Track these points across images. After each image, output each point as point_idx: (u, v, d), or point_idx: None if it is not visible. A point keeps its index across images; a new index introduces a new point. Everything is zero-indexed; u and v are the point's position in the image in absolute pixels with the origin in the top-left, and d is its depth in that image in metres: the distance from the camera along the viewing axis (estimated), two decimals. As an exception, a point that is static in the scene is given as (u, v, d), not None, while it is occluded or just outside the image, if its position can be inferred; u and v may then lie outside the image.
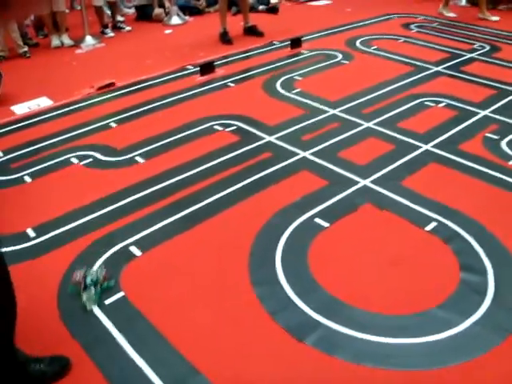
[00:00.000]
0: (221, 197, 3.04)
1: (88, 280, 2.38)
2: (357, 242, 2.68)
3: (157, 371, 2.01)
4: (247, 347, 2.12)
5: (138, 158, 3.51)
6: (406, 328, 2.19)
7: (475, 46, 5.72)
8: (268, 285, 2.41)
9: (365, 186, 3.10)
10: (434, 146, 3.55)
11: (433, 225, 2.77)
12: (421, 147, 3.54)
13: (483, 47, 5.68)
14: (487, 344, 2.12)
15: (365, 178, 3.18)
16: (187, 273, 2.51)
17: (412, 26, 6.53)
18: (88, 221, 2.89)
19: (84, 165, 3.48)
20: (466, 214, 2.87)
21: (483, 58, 5.33)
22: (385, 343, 2.12)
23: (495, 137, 3.69)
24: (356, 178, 3.18)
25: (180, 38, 6.34)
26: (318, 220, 2.81)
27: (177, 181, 3.22)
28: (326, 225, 2.78)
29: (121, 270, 2.52)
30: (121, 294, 2.38)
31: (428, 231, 2.73)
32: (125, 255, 2.62)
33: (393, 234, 2.74)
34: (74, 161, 3.52)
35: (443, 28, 6.46)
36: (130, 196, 3.08)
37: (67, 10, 7.48)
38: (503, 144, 3.60)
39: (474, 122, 3.92)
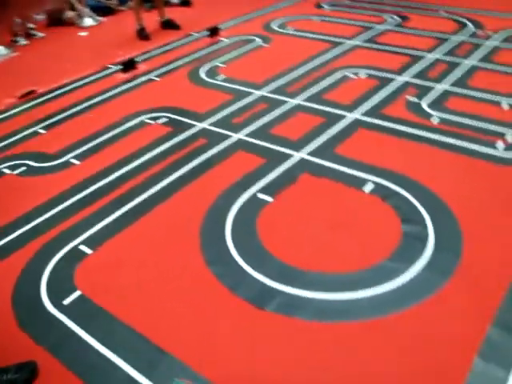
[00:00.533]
0: (162, 187, 3.07)
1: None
2: (301, 211, 2.79)
3: (126, 359, 2.04)
4: (211, 322, 2.18)
5: (73, 161, 3.48)
6: (360, 282, 2.31)
7: (386, 18, 5.95)
8: (223, 262, 2.48)
9: (301, 159, 3.22)
10: (360, 114, 3.71)
11: (370, 186, 2.92)
12: (347, 116, 3.69)
13: (393, 18, 5.93)
14: (434, 285, 2.28)
15: (299, 150, 3.30)
16: (141, 262, 2.54)
17: (324, 5, 6.71)
18: (33, 227, 2.86)
19: (17, 174, 3.41)
20: (399, 171, 3.03)
21: (395, 29, 5.57)
22: (342, 299, 2.23)
23: (415, 99, 3.89)
24: (291, 152, 3.29)
25: (96, 39, 6.25)
26: (260, 195, 2.90)
27: (116, 177, 3.22)
28: (270, 199, 2.87)
29: (74, 270, 2.52)
30: (78, 293, 2.38)
31: (366, 192, 2.87)
32: (76, 255, 2.62)
33: (334, 199, 2.86)
34: (7, 171, 3.45)
35: (354, 4, 6.68)
36: (71, 198, 3.06)
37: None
38: (423, 104, 3.81)
39: (394, 88, 4.11)
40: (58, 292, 2.40)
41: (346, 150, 3.28)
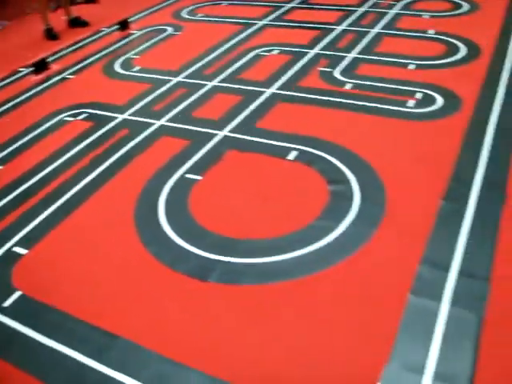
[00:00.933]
0: (91, 180, 3.07)
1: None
2: (230, 185, 2.86)
3: (78, 349, 2.05)
4: (157, 301, 2.22)
5: (-6, 166, 3.41)
6: (295, 243, 2.42)
7: (292, -4, 6.10)
8: (159, 242, 2.52)
9: (224, 136, 3.29)
10: (277, 89, 3.81)
11: (294, 154, 3.03)
12: (265, 92, 3.79)
13: (299, -4, 6.08)
14: (365, 235, 2.42)
15: (222, 129, 3.37)
16: (78, 254, 2.54)
17: (231, -10, 6.78)
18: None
19: None
20: (320, 137, 3.16)
21: (301, 5, 5.71)
22: (281, 260, 2.34)
23: (328, 69, 4.04)
24: (214, 132, 3.35)
25: (1, 44, 6.06)
26: (189, 175, 2.96)
27: (43, 176, 3.18)
28: (198, 177, 2.93)
29: (11, 271, 2.49)
30: (18, 294, 2.36)
31: (290, 160, 2.98)
32: (11, 256, 2.58)
33: (261, 170, 2.95)
34: None
35: (259, -14, 6.78)
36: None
37: None
38: (336, 73, 3.96)
39: (306, 61, 4.25)
40: (-4, 295, 2.37)
41: (267, 124, 3.38)
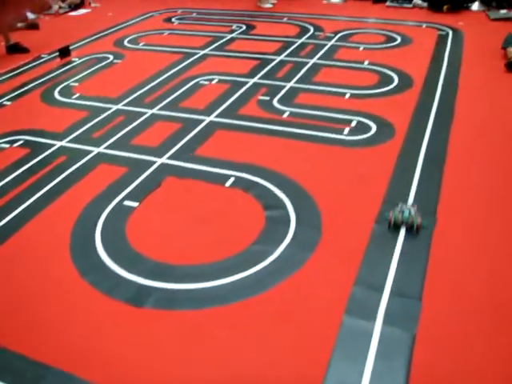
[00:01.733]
0: (25, 208, 3.00)
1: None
2: (168, 211, 2.87)
3: (11, 381, 1.99)
4: (94, 329, 2.18)
5: None
6: (231, 268, 2.43)
7: (233, 28, 6.22)
8: (96, 270, 2.49)
9: (162, 164, 3.30)
10: (216, 116, 3.87)
11: (231, 180, 3.07)
12: (205, 120, 3.83)
13: (240, 27, 6.21)
14: (301, 260, 2.46)
15: (161, 156, 3.38)
16: (13, 286, 2.48)
17: (173, 19, 6.86)
18: None
19: None
20: (258, 164, 3.22)
21: (242, 36, 5.84)
22: (218, 285, 2.34)
23: (267, 98, 4.13)
24: (153, 159, 3.36)
25: None
26: (127, 202, 2.94)
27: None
28: (136, 204, 2.92)
29: None
30: None
31: (228, 186, 3.02)
32: None
33: (197, 196, 2.97)
34: None
35: (202, 16, 6.89)
36: None
37: None
38: (275, 102, 4.05)
39: (246, 89, 4.33)
40: None
41: (206, 151, 3.41)
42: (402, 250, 2.50)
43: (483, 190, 2.93)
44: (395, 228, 2.64)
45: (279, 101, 4.09)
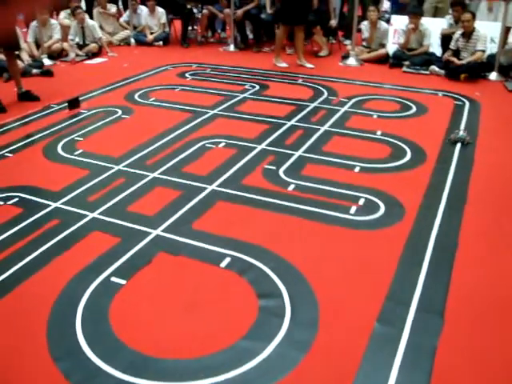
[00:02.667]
0: (8, 276, 2.84)
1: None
2: (156, 293, 2.68)
3: None
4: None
5: None
6: (217, 367, 2.22)
7: (246, 87, 6.15)
8: (71, 357, 2.30)
9: (157, 236, 3.13)
10: (218, 186, 3.72)
11: (227, 260, 2.89)
12: (206, 188, 3.68)
13: (254, 86, 6.14)
14: (293, 361, 2.25)
15: (156, 227, 3.21)
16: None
17: (187, 75, 6.83)
18: None
19: None
20: (257, 244, 3.04)
21: (254, 97, 5.76)
22: (194, 387, 2.14)
23: (273, 167, 3.99)
24: (147, 230, 3.19)
25: None
26: (114, 279, 2.76)
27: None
28: (123, 282, 2.74)
29: None
30: None
31: (223, 267, 2.83)
32: None
33: (189, 278, 2.79)
34: None
35: (216, 73, 6.86)
36: None
37: None
38: (281, 172, 3.91)
39: (252, 156, 4.19)
40: None
41: (204, 225, 3.25)
42: (403, 356, 2.29)
43: (494, 290, 2.72)
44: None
45: (285, 171, 3.94)
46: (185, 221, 3.29)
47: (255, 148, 4.35)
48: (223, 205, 3.49)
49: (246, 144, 4.44)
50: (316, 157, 4.21)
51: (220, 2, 8.35)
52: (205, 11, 8.51)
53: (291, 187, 3.71)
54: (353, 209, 3.45)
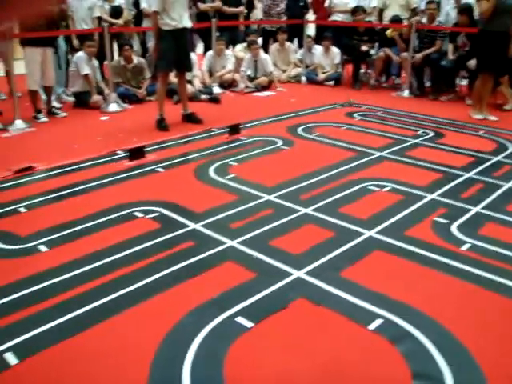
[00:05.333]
0: (127, 292, 2.55)
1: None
2: (286, 347, 2.20)
3: None
4: None
5: (40, 247, 3.02)
6: None
7: (419, 133, 5.56)
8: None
9: (298, 279, 2.66)
10: (378, 233, 3.17)
11: (378, 322, 2.33)
12: (364, 234, 3.16)
13: (427, 133, 5.53)
14: None
15: (299, 268, 2.75)
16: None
17: (355, 115, 6.39)
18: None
19: (-24, 254, 2.96)
20: (417, 308, 2.45)
21: (427, 144, 5.14)
22: None
23: (444, 221, 3.36)
24: (289, 269, 2.74)
25: (115, 124, 6.00)
26: (239, 319, 2.33)
27: (81, 272, 2.73)
28: (250, 325, 2.30)
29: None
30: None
31: (371, 330, 2.28)
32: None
33: (329, 335, 2.27)
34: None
35: (387, 116, 6.34)
36: (21, 290, 2.56)
37: (4, 96, 7.17)
38: (453, 228, 3.26)
39: (421, 205, 3.59)
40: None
41: (355, 274, 2.72)
42: None
43: None
44: None
45: (460, 227, 3.28)
46: (333, 266, 2.79)
47: (425, 197, 3.74)
48: (381, 255, 2.93)
49: (414, 191, 3.84)
50: (498, 216, 3.49)
51: (398, 45, 7.87)
52: (381, 54, 8.06)
53: (465, 247, 3.05)
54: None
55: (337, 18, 8.83)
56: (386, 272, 2.78)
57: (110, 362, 2.11)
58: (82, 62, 6.74)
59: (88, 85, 6.80)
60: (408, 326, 2.31)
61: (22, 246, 3.05)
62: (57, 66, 6.70)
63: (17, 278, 2.68)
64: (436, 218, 3.40)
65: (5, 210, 3.56)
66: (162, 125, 5.67)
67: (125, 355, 2.15)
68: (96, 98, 6.82)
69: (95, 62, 7.04)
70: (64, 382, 2.02)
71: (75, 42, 7.28)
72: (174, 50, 5.52)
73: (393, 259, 2.90)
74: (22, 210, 3.57)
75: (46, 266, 2.79)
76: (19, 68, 6.10)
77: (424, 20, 7.67)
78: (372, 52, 8.28)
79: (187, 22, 5.53)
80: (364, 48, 8.12)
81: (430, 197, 3.75)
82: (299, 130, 5.61)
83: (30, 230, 3.24)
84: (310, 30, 9.38)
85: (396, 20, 7.88)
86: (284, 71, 8.86)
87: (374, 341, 2.22)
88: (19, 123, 5.83)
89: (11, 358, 2.11)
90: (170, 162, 4.53)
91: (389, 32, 7.95)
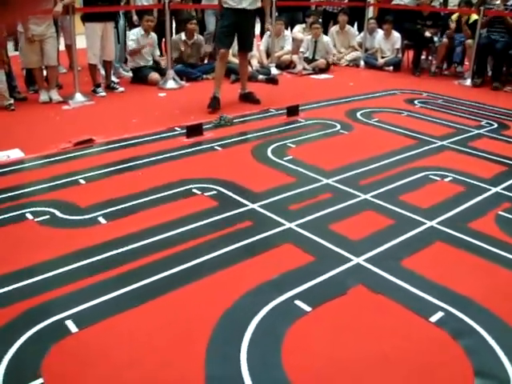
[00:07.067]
0: (186, 268, 2.57)
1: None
2: (343, 332, 2.17)
3: None
4: None
5: (100, 219, 3.07)
6: None
7: (482, 123, 5.38)
8: (225, 381, 1.90)
9: (358, 265, 2.62)
10: (439, 223, 3.09)
11: (439, 315, 2.27)
12: (425, 223, 3.08)
13: (491, 124, 5.34)
14: None
15: (358, 255, 2.71)
16: (126, 360, 2.00)
17: (416, 102, 6.24)
18: (26, 285, 2.42)
19: (38, 222, 3.03)
20: (479, 302, 2.38)
21: (491, 135, 4.97)
22: None
23: (509, 215, 3.24)
24: (348, 255, 2.70)
25: (173, 101, 6.04)
26: (298, 302, 2.31)
27: (139, 246, 2.76)
28: (308, 309, 2.28)
29: (47, 350, 2.02)
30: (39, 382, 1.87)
31: (433, 323, 2.23)
32: (57, 330, 2.13)
33: (389, 325, 2.23)
34: (29, 217, 3.09)
35: (448, 105, 6.16)
36: (80, 260, 2.62)
37: (64, 69, 7.28)
38: (519, 224, 3.16)
39: (484, 198, 3.48)
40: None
41: (415, 264, 2.66)
42: None
43: None
44: None
45: (525, 223, 3.18)
46: (394, 255, 2.74)
47: (489, 190, 3.62)
48: (442, 246, 2.86)
49: (477, 183, 3.72)
50: None
51: (463, 32, 7.60)
52: (444, 40, 7.82)
53: (531, 243, 2.94)
54: None
55: (399, 1, 8.60)
56: (447, 264, 2.70)
57: (167, 335, 2.13)
58: (134, 38, 6.81)
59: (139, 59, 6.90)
60: (470, 322, 2.25)
61: (81, 217, 3.11)
62: (116, 41, 6.77)
63: (79, 248, 2.73)
64: (500, 212, 3.28)
65: (66, 180, 3.63)
66: (213, 103, 5.56)
67: (183, 330, 2.17)
68: (155, 75, 6.87)
69: (154, 36, 7.07)
70: (122, 350, 2.05)
71: (135, 18, 7.33)
72: (233, 29, 5.47)
73: (455, 251, 2.82)
74: (82, 181, 3.63)
75: (105, 239, 2.83)
76: (79, 42, 6.20)
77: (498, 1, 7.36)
78: (435, 39, 8.04)
79: (248, 4, 5.38)
80: (428, 34, 7.89)
81: (493, 189, 3.63)
82: (358, 114, 5.51)
83: (89, 201, 3.30)
84: (370, 13, 9.17)
85: (466, 2, 7.60)
86: (342, 54, 8.71)
87: (435, 333, 2.17)
88: (79, 96, 5.95)
89: (72, 326, 2.16)
90: (228, 141, 4.52)
91: (454, 17, 7.71)
